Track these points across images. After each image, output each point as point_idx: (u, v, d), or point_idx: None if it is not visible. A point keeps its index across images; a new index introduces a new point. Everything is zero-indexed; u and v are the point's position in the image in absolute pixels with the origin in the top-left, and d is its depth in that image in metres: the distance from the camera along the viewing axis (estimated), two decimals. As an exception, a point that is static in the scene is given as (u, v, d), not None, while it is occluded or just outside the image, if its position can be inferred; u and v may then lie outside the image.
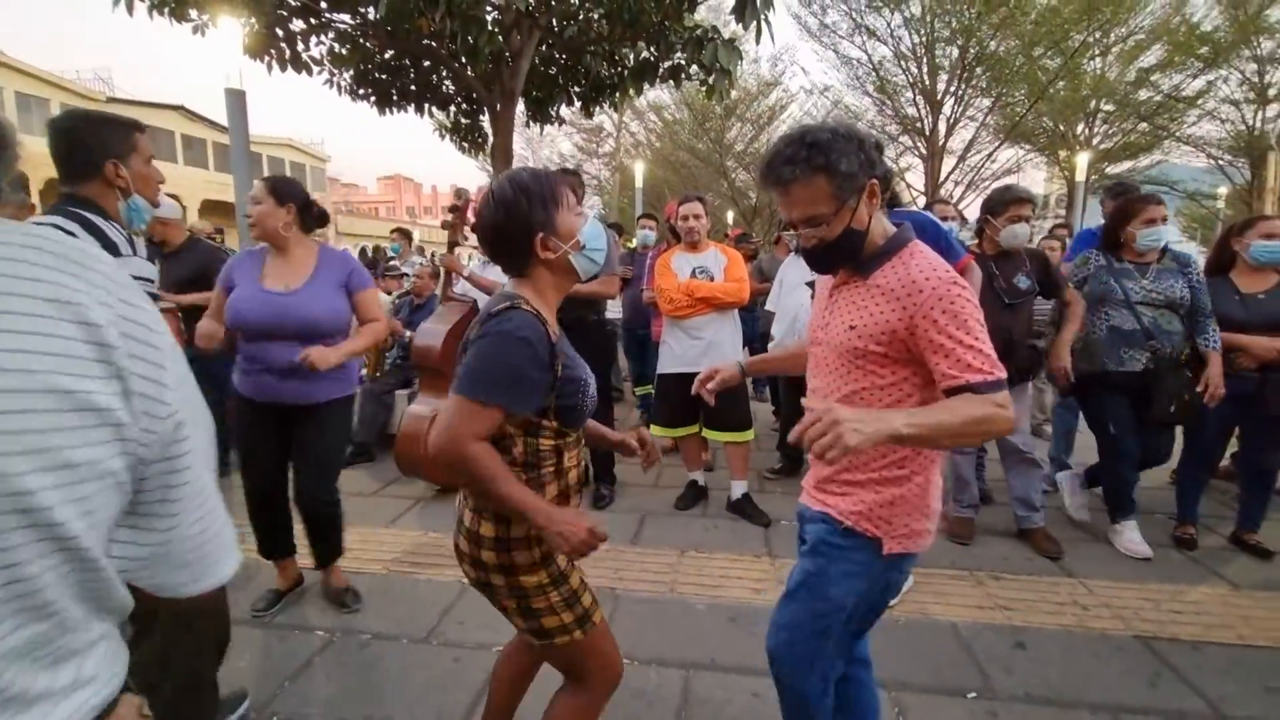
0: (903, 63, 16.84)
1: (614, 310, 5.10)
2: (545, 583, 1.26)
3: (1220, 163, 18.72)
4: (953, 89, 16.78)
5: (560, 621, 1.27)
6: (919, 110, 17.39)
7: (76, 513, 0.51)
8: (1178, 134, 18.22)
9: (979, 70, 16.19)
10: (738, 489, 3.42)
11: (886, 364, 1.25)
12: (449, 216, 3.55)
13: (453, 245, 3.68)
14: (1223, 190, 20.26)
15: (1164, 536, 3.12)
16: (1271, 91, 16.64)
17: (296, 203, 2.32)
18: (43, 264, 0.51)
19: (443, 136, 10.22)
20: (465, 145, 10.67)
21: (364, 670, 2.12)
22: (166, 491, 0.60)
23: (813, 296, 1.62)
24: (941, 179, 17.23)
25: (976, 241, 3.11)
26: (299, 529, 2.49)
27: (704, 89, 7.54)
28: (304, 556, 2.61)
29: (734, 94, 14.16)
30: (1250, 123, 17.22)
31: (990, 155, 17.90)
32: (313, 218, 2.38)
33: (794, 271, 3.53)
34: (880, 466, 1.29)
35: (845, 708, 1.51)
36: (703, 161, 20.06)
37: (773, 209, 21.42)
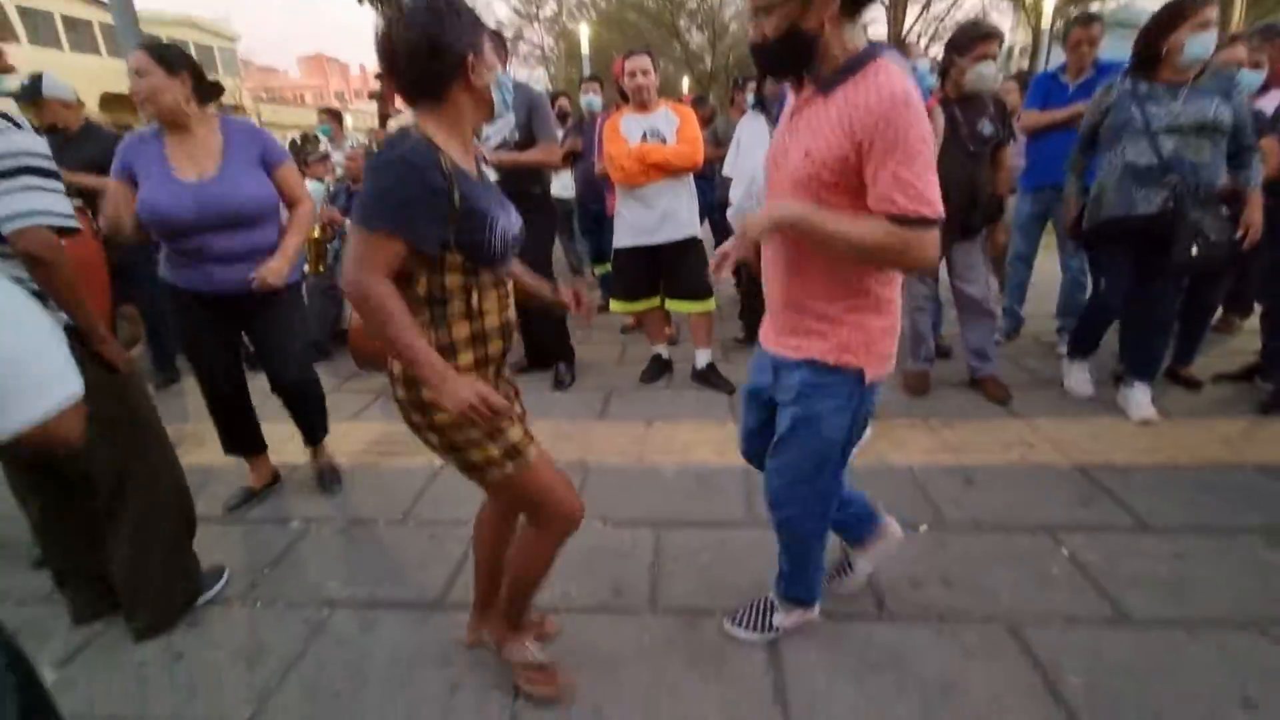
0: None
1: (567, 189, 4.84)
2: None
3: None
4: (919, -75, 15.51)
5: (487, 455, 1.26)
6: (883, -49, 16.11)
7: None
8: (1147, -31, 17.38)
9: (947, -100, 14.91)
10: (702, 358, 3.43)
11: (841, 194, 1.17)
12: (378, 86, 3.22)
13: (385, 118, 3.41)
14: (1186, 31, 19.73)
15: (1105, 374, 3.27)
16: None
17: (190, 71, 2.03)
18: None
19: (361, 2, 9.18)
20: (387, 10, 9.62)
21: (344, 553, 2.16)
22: None
23: None
24: (904, 30, 16.35)
25: (939, 84, 2.95)
26: (270, 427, 2.43)
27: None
28: (277, 453, 2.58)
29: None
30: (1221, -47, 16.45)
31: (955, 2, 16.95)
32: (208, 88, 2.10)
33: (751, 131, 3.34)
34: (846, 295, 1.28)
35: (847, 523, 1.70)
36: (653, 21, 18.57)
37: (729, 73, 20.25)
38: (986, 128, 2.83)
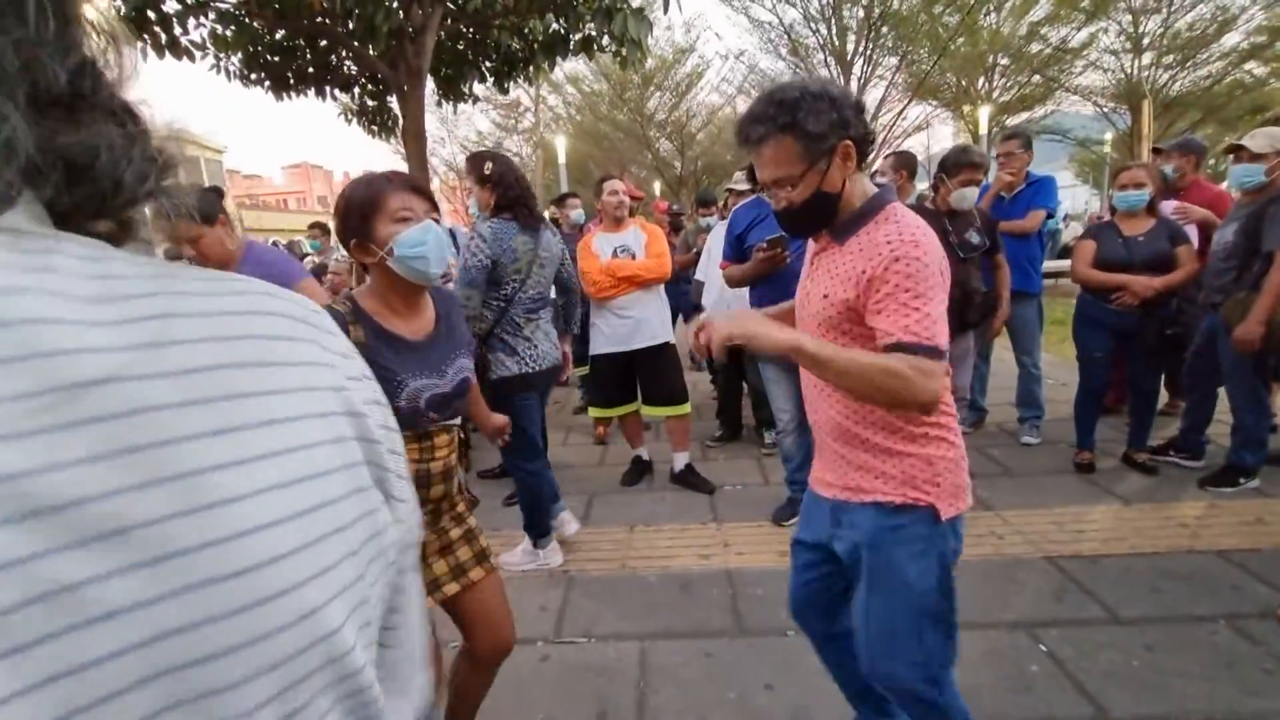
0: (812, 24, 17.16)
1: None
2: None
3: (1105, 110, 20.04)
4: (861, 49, 17.23)
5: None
6: (831, 72, 17.76)
7: (365, 652, 0.37)
8: (1067, 84, 19.38)
9: (884, 29, 16.67)
10: (680, 460, 3.50)
11: (859, 334, 1.21)
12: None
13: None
14: (1109, 136, 21.76)
15: (1067, 464, 3.41)
16: (1146, 40, 17.83)
17: (221, 209, 2.19)
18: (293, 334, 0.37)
19: (349, 120, 9.73)
20: (375, 129, 10.19)
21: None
22: (394, 612, 0.46)
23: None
24: (845, 90, 17.78)
25: (931, 197, 3.28)
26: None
27: (617, 60, 7.44)
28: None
29: (650, 63, 14.05)
30: (1129, 71, 18.45)
31: (900, 113, 18.56)
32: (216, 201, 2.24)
33: (719, 242, 3.59)
34: (902, 429, 1.23)
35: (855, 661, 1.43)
36: (625, 133, 19.89)
37: (698, 178, 21.55)
38: (974, 237, 3.12)
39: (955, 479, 1.25)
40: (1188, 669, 1.89)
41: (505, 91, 10.30)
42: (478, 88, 9.88)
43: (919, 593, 1.22)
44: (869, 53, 17.35)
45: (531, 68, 9.02)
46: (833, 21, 16.95)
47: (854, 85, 17.74)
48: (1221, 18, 16.78)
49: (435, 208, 1.37)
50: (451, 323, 1.45)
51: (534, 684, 2.00)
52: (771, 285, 2.71)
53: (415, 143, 8.75)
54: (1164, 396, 4.02)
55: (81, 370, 0.28)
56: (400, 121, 9.25)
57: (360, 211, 1.29)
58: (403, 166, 12.38)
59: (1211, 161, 8.66)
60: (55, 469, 0.26)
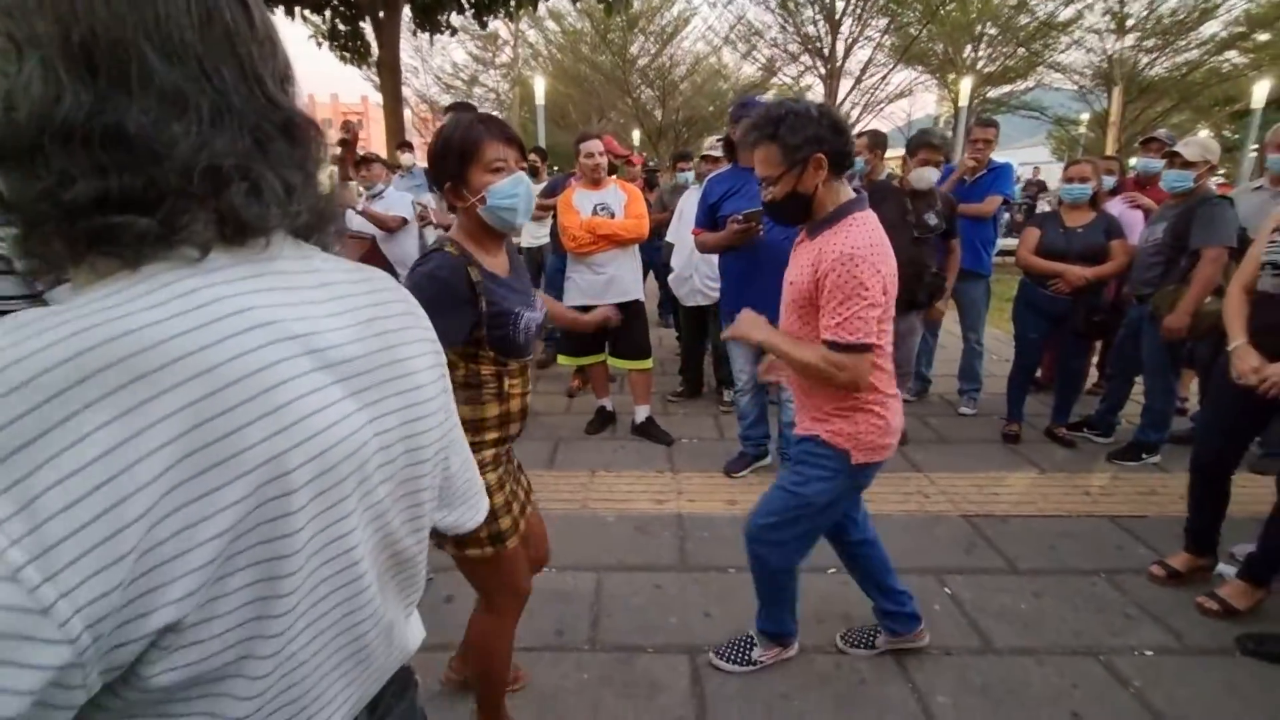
0: (803, -23, 16.74)
1: (539, 239, 5.08)
2: None
3: (1083, 89, 20.24)
4: (852, 7, 16.92)
5: (478, 533, 1.41)
6: (818, 30, 17.47)
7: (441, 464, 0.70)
8: (1050, 60, 19.45)
9: (876, -12, 16.39)
10: (641, 413, 3.70)
11: (814, 318, 1.53)
12: (336, 150, 3.42)
13: (344, 179, 3.56)
14: (1085, 116, 22.05)
15: (996, 434, 3.73)
16: (1130, 21, 17.95)
17: None
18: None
19: (320, 44, 9.32)
20: (346, 55, 9.78)
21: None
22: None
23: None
24: (839, 100, 17.65)
25: (901, 177, 3.42)
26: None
27: (602, 4, 7.27)
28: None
29: (636, 4, 13.64)
30: (1110, 52, 18.61)
31: (885, 77, 18.45)
32: None
33: (691, 203, 3.71)
34: (839, 399, 1.59)
35: (865, 567, 1.96)
36: (605, 77, 19.37)
37: (678, 130, 21.21)
38: (932, 219, 3.27)
39: (875, 440, 1.61)
40: (1064, 613, 2.21)
41: (484, 25, 9.95)
42: (456, 19, 9.51)
43: (808, 498, 1.67)
44: (859, 11, 17.09)
45: (514, 2, 8.72)
46: (825, -25, 16.60)
47: (841, 46, 17.53)
48: (1204, 5, 16.94)
49: (524, 156, 1.44)
50: (516, 258, 1.54)
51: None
52: (740, 255, 2.86)
53: (390, 75, 8.48)
54: (1095, 377, 4.38)
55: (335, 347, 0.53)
56: (374, 49, 8.91)
57: (459, 157, 1.33)
58: (376, 96, 11.91)
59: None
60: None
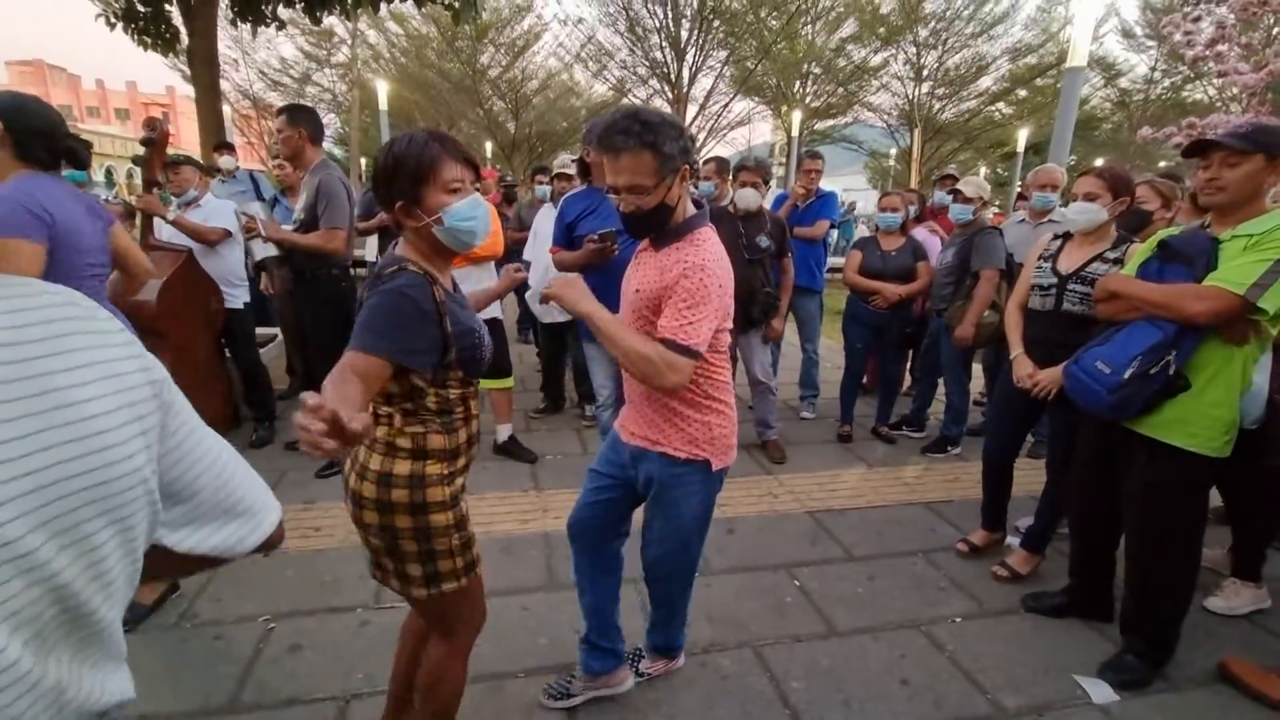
0: (650, 6, 17.51)
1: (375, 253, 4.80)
2: (450, 524, 1.35)
3: (891, 126, 23.18)
4: (694, 38, 18.00)
5: (454, 566, 1.37)
6: (664, 56, 18.35)
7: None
8: (864, 100, 22.06)
9: (716, 23, 17.57)
10: (503, 432, 3.63)
11: (655, 322, 1.52)
12: (142, 151, 3.00)
13: (151, 184, 3.13)
14: (894, 150, 25.27)
15: (833, 435, 4.12)
16: (925, 72, 20.88)
17: None
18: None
19: (111, 25, 8.08)
20: (147, 40, 8.57)
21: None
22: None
23: None
24: (688, 123, 18.65)
25: (731, 202, 3.63)
26: None
27: (449, 11, 7.07)
28: None
29: (485, 15, 13.42)
30: (911, 96, 21.51)
31: (727, 105, 19.80)
32: None
33: (546, 223, 3.72)
34: (694, 395, 1.57)
35: (605, 588, 1.87)
36: (455, 85, 18.83)
37: (531, 144, 21.14)
38: (763, 241, 3.51)
39: (727, 441, 1.64)
40: (892, 591, 2.49)
41: (318, 21, 9.27)
42: (283, 11, 8.75)
43: (689, 519, 1.68)
44: (701, 42, 18.22)
45: (350, 0, 8.20)
46: (669, 5, 17.49)
47: (686, 72, 18.52)
48: (980, 62, 20.17)
49: (479, 176, 1.38)
50: (452, 278, 1.46)
51: (354, 646, 2.08)
52: (599, 274, 2.91)
53: (205, 67, 7.60)
54: (909, 382, 4.99)
55: None
56: (184, 37, 7.92)
57: (412, 177, 1.28)
58: (185, 88, 10.54)
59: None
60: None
